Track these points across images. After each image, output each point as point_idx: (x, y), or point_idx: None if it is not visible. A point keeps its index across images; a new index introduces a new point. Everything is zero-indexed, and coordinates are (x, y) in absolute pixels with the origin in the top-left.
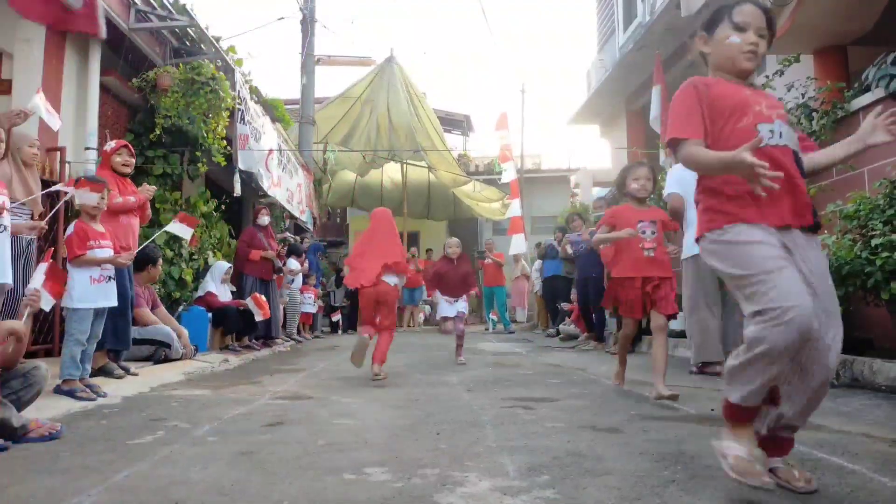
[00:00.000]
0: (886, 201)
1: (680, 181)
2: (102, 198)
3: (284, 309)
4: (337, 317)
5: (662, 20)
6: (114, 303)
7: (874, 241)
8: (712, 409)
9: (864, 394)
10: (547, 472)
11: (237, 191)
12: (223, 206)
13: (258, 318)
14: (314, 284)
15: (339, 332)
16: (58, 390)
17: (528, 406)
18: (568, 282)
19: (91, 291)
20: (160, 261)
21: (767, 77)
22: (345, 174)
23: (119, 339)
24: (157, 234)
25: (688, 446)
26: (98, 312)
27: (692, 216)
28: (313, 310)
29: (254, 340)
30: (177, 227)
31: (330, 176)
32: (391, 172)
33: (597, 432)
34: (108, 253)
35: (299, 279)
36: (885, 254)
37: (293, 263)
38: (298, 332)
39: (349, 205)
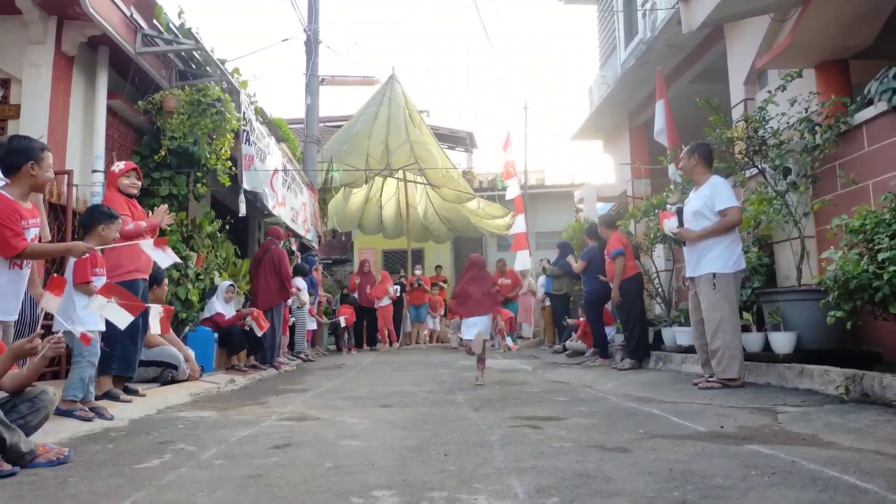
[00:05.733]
0: (892, 215)
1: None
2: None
3: (292, 328)
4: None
5: (663, 36)
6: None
7: (881, 256)
8: (721, 427)
9: (874, 409)
10: (556, 494)
11: (242, 211)
12: (228, 226)
13: (258, 331)
14: (311, 302)
15: (345, 351)
16: (57, 411)
17: (536, 425)
18: (567, 298)
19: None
20: (165, 281)
21: (770, 92)
22: (354, 199)
23: (128, 366)
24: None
25: (698, 465)
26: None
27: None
28: (314, 326)
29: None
30: (159, 256)
31: (335, 192)
32: (401, 196)
33: (605, 452)
34: (102, 281)
35: (306, 296)
36: (892, 268)
37: (300, 282)
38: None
39: (355, 227)
